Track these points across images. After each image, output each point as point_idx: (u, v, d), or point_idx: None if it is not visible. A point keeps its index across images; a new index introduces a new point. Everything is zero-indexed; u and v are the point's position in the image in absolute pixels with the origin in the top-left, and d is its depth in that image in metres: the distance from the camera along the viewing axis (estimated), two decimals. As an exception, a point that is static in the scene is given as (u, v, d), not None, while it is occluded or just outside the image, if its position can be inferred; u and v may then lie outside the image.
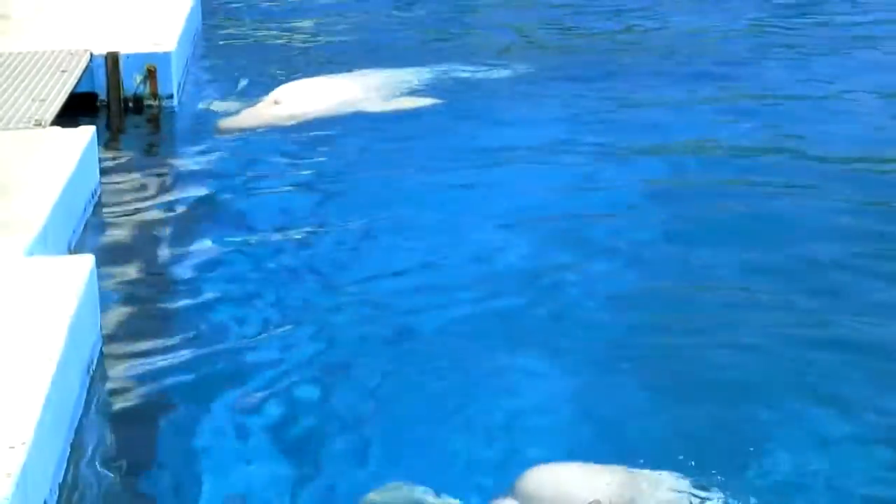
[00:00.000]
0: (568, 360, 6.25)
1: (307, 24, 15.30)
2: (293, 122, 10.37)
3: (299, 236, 7.98)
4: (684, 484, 4.92)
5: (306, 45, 14.09)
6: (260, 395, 5.84)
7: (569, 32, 14.76)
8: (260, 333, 6.58)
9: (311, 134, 10.18)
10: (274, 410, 5.72)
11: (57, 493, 4.77)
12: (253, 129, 10.25)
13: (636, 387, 6.09)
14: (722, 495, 4.93)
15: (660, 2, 16.04)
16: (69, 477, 4.97)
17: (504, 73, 12.27)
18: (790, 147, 9.95)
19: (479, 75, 12.12)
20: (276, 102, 10.62)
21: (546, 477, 4.74)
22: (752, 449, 5.47)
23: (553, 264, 7.48)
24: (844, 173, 9.33)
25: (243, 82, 11.79)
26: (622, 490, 4.71)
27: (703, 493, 4.92)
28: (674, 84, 11.96)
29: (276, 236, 7.99)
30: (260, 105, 10.64)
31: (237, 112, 10.57)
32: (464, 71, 12.22)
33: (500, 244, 7.77)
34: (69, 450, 5.07)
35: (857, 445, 5.61)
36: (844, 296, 7.07)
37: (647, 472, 4.93)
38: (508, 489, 4.78)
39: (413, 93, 11.33)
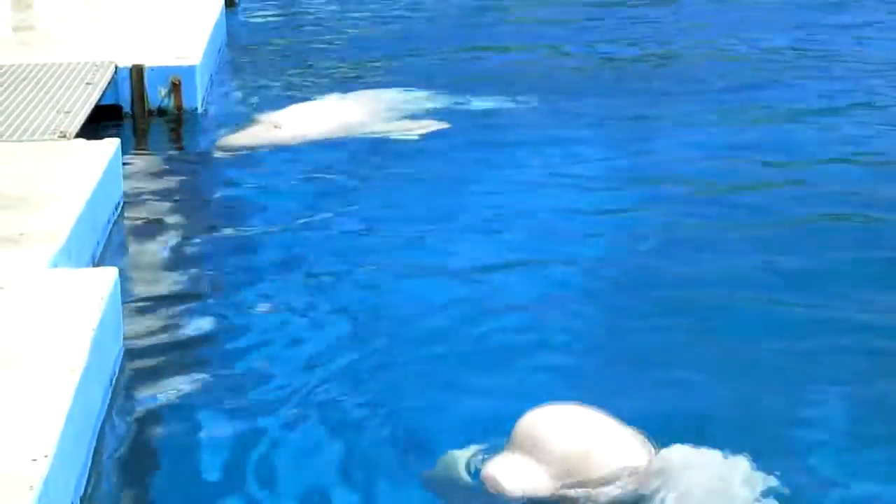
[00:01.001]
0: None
1: (331, 38, 15.36)
2: (293, 144, 10.30)
3: (315, 256, 7.99)
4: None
5: (328, 61, 14.06)
6: (285, 404, 5.81)
7: (579, 56, 14.74)
8: (282, 343, 6.57)
9: (309, 158, 10.13)
10: (298, 419, 5.67)
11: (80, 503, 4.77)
12: (252, 150, 10.19)
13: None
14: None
15: (663, 24, 16.02)
16: (91, 489, 4.94)
17: (511, 97, 12.15)
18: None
19: (486, 99, 12.02)
20: (276, 126, 10.52)
21: (544, 418, 4.57)
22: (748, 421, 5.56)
23: (555, 288, 7.45)
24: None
25: (260, 99, 11.78)
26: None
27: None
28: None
29: (291, 254, 8.01)
30: (260, 127, 10.54)
31: (241, 130, 10.49)
32: (471, 95, 12.14)
33: (502, 270, 7.67)
34: (91, 462, 5.04)
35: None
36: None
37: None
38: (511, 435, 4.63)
39: (417, 116, 11.23)
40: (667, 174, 9.70)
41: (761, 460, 5.00)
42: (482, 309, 6.98)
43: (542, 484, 4.35)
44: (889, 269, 7.61)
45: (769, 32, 15.18)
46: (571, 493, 4.38)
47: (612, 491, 4.43)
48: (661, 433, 4.99)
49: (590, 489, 4.39)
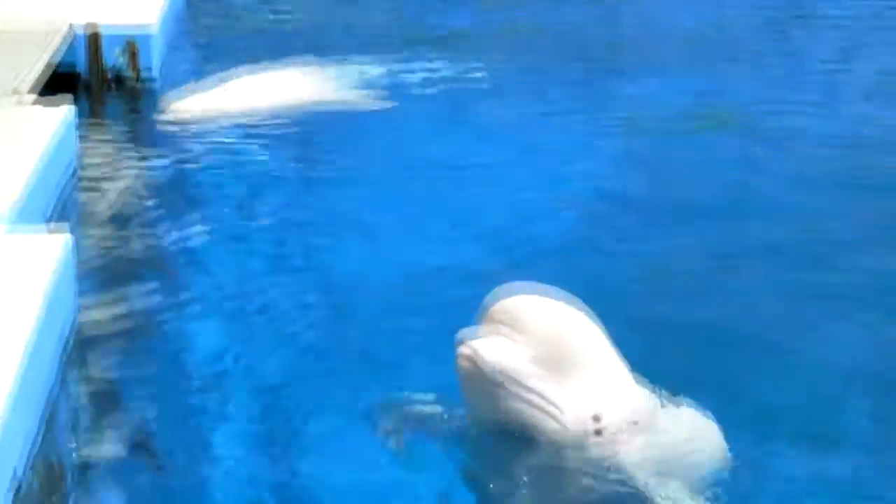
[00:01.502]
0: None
1: (288, 8, 15.24)
2: (245, 111, 10.28)
3: (266, 221, 8.06)
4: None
5: (284, 28, 14.05)
6: (238, 368, 5.83)
7: (537, 26, 14.67)
8: (236, 303, 6.59)
9: (260, 126, 10.11)
10: (249, 383, 5.69)
11: (29, 468, 4.67)
12: (205, 116, 10.15)
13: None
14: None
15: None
16: (41, 452, 4.85)
17: (465, 68, 12.10)
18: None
19: (441, 70, 12.01)
20: (225, 91, 10.52)
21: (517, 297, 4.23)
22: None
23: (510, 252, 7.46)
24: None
25: (215, 66, 11.61)
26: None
27: None
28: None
29: (243, 221, 8.09)
30: (214, 93, 10.50)
31: (196, 96, 10.44)
32: (426, 65, 12.13)
33: (446, 243, 7.69)
34: (42, 427, 4.97)
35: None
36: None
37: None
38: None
39: (370, 86, 11.22)
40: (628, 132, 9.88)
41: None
42: (438, 272, 7.00)
43: (521, 365, 4.07)
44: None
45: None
46: (547, 374, 4.13)
47: (581, 383, 4.20)
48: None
49: (562, 373, 4.15)
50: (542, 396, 4.11)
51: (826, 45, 13.67)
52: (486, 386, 4.08)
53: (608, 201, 8.58)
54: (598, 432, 4.20)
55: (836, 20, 14.60)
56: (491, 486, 4.39)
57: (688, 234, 7.84)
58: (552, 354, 4.09)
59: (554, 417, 4.14)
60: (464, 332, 4.21)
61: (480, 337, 4.10)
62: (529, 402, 4.11)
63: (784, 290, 6.94)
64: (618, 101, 11.21)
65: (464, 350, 4.07)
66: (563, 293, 4.25)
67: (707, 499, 4.24)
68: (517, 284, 4.25)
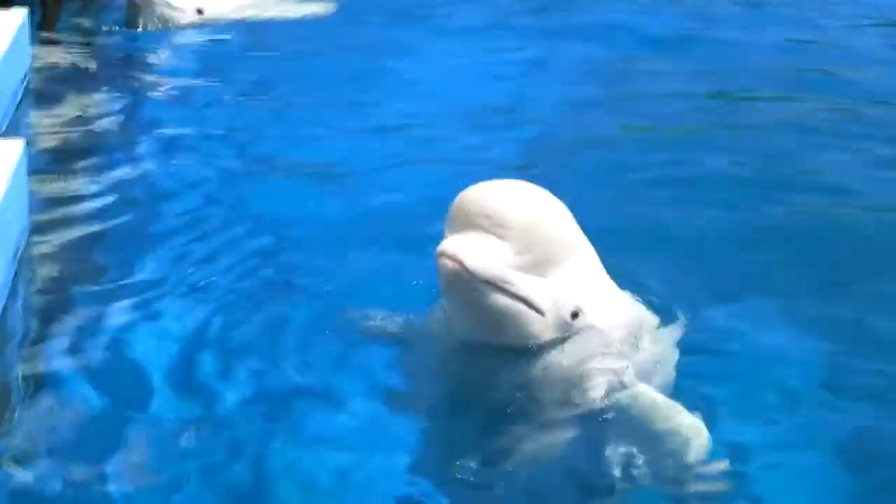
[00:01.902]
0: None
1: None
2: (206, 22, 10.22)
3: (224, 133, 7.97)
4: None
5: None
6: (191, 269, 5.74)
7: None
8: (188, 215, 6.51)
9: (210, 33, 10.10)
10: (201, 295, 5.55)
11: None
12: (168, 24, 10.10)
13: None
14: None
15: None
16: None
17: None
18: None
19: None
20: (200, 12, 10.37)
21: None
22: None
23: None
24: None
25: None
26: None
27: None
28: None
29: (200, 136, 7.95)
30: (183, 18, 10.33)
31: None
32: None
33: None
34: None
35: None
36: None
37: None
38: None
39: None
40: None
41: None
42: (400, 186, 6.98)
43: (502, 258, 3.93)
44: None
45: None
46: (528, 268, 4.01)
47: (560, 269, 4.11)
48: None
49: (542, 265, 4.04)
50: (525, 290, 4.03)
51: None
52: (469, 285, 3.94)
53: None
54: (574, 323, 4.15)
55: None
56: (471, 389, 4.37)
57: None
58: (532, 248, 3.98)
59: (537, 309, 4.06)
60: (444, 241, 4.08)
61: (459, 237, 3.96)
62: (514, 296, 4.01)
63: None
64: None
65: (446, 250, 3.92)
66: (537, 188, 4.15)
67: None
68: (489, 182, 4.10)
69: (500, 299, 3.99)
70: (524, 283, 3.98)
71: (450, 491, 4.20)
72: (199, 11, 10.18)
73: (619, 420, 4.13)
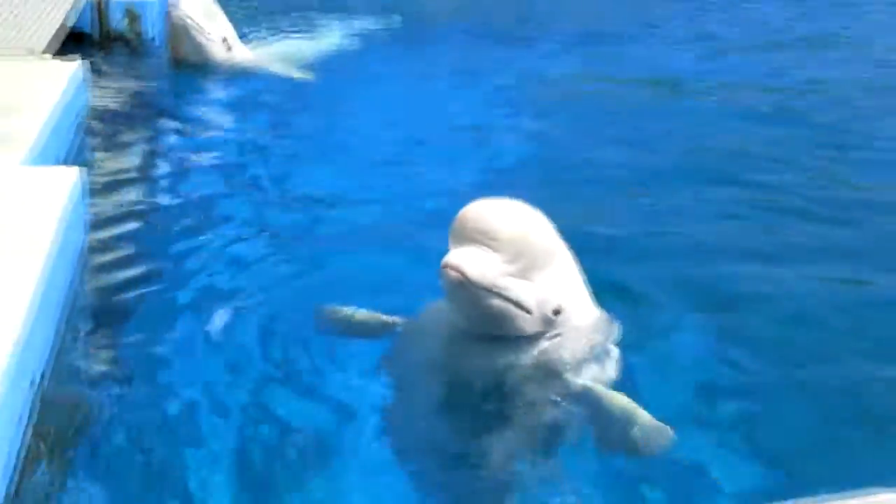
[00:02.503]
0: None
1: None
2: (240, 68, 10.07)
3: (238, 161, 7.86)
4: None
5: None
6: (238, 299, 5.50)
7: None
8: (233, 237, 6.35)
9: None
10: (248, 324, 5.30)
11: (49, 371, 4.54)
12: (201, 68, 9.91)
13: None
14: None
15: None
16: (58, 359, 4.70)
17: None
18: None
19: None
20: (229, 49, 10.17)
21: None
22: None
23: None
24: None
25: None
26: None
27: None
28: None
29: (238, 156, 7.88)
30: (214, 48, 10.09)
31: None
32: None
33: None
34: (57, 342, 4.78)
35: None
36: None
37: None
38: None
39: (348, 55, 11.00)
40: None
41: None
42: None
43: (498, 269, 4.06)
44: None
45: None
46: (517, 274, 4.12)
47: (544, 274, 4.19)
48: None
49: (530, 271, 4.14)
50: (514, 293, 4.14)
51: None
52: (470, 291, 4.07)
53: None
54: (556, 319, 4.25)
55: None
56: (470, 372, 4.38)
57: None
58: (521, 257, 4.10)
59: (524, 309, 4.17)
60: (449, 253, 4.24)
61: (460, 251, 4.09)
62: (506, 299, 4.13)
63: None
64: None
65: (450, 262, 4.06)
66: (525, 205, 4.22)
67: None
68: (483, 201, 4.19)
69: (495, 301, 4.11)
70: (514, 288, 4.10)
71: (443, 464, 4.25)
72: (225, 40, 9.97)
73: (587, 403, 4.22)
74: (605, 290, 4.71)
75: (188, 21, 9.68)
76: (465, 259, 4.02)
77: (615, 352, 4.45)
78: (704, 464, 4.24)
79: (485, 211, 4.08)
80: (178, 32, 9.73)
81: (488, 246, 4.02)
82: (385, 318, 4.75)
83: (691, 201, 7.04)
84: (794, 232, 6.64)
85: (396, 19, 12.79)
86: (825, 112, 9.23)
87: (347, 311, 4.84)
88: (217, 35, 9.87)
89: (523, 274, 4.09)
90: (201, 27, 9.75)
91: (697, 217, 6.80)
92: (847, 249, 6.41)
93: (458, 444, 4.33)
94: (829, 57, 11.40)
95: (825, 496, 2.70)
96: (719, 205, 6.99)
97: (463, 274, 4.00)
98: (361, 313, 4.82)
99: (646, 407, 4.13)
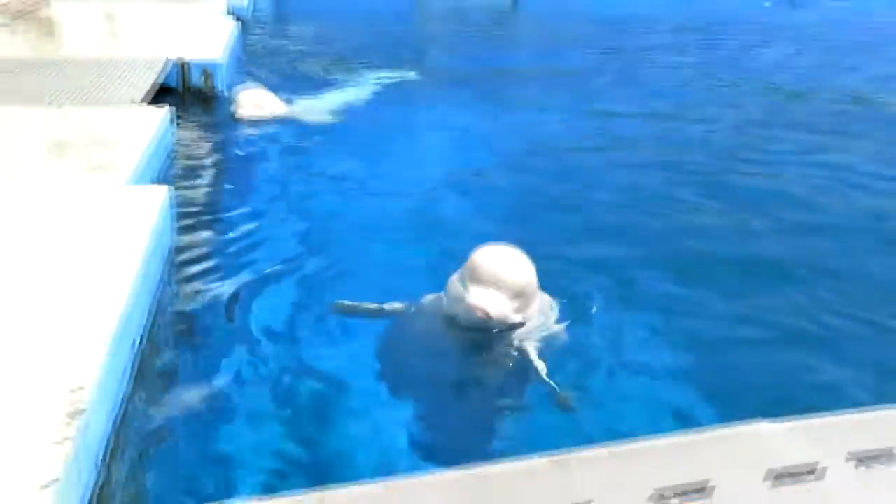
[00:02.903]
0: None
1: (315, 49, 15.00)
2: (288, 117, 10.02)
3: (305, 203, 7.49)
4: None
5: (309, 64, 13.70)
6: (318, 297, 5.39)
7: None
8: (302, 252, 6.18)
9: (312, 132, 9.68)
10: (325, 332, 5.12)
11: (146, 340, 4.64)
12: (261, 118, 9.90)
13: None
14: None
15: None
16: (151, 335, 4.72)
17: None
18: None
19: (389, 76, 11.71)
20: (287, 102, 10.29)
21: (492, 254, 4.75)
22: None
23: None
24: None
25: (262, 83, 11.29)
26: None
27: None
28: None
29: (290, 203, 7.41)
30: (266, 102, 10.14)
31: (251, 106, 10.08)
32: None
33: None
34: (151, 317, 4.83)
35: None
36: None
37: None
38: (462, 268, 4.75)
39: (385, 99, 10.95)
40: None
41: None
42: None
43: (507, 306, 4.69)
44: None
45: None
46: (519, 309, 4.76)
47: (531, 300, 4.83)
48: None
49: (525, 307, 4.78)
50: (515, 318, 4.81)
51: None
52: (490, 322, 4.72)
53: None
54: (523, 323, 4.89)
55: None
56: (464, 350, 4.87)
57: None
58: (520, 296, 4.74)
59: (518, 325, 4.85)
60: (467, 295, 4.66)
61: (479, 292, 4.64)
62: (511, 323, 4.80)
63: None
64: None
65: (476, 305, 4.63)
66: (518, 250, 4.76)
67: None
68: (489, 247, 4.72)
69: (505, 324, 4.82)
70: (515, 317, 4.81)
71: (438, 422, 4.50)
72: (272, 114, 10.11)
73: (528, 360, 4.69)
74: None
75: (245, 118, 9.89)
76: (486, 302, 4.67)
77: (557, 327, 5.03)
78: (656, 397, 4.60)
79: (495, 261, 4.70)
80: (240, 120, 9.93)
81: (497, 287, 4.68)
82: (387, 306, 5.13)
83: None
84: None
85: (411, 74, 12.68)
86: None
87: (357, 303, 5.22)
88: (266, 114, 10.02)
89: (520, 306, 4.78)
90: (253, 116, 9.91)
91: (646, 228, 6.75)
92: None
93: (449, 393, 4.69)
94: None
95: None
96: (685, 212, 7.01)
97: (487, 314, 4.67)
98: (368, 304, 5.20)
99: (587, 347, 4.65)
